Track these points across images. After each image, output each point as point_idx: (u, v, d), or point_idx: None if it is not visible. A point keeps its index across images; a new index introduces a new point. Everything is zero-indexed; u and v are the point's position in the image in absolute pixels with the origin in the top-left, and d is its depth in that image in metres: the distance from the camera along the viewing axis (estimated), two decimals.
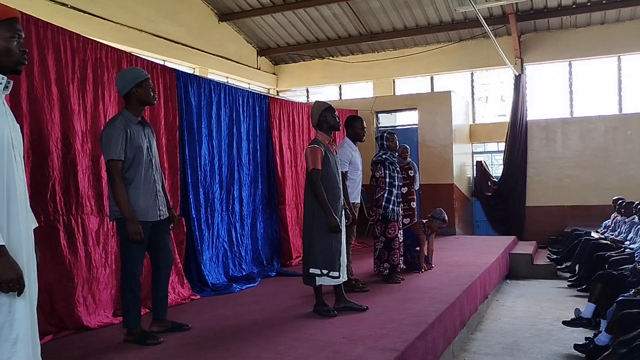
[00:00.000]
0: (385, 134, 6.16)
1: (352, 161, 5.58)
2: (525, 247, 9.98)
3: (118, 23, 10.07)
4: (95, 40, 4.72)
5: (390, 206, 5.92)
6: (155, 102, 3.93)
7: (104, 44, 4.83)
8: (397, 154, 6.42)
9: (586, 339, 4.84)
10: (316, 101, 4.76)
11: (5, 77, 2.13)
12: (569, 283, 8.04)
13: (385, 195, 5.93)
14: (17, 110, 3.84)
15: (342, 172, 5.18)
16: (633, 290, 4.55)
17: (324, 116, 4.60)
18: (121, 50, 5.10)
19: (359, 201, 5.84)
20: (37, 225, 2.36)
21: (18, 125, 2.22)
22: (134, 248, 3.70)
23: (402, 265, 6.14)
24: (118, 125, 3.66)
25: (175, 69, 5.88)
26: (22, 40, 2.18)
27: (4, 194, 2.04)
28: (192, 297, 5.32)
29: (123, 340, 3.83)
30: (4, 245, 1.98)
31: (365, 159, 6.17)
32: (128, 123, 3.70)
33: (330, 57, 14.73)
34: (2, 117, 2.08)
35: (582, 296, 7.01)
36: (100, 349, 3.73)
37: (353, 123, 5.65)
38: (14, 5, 2.35)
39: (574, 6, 11.65)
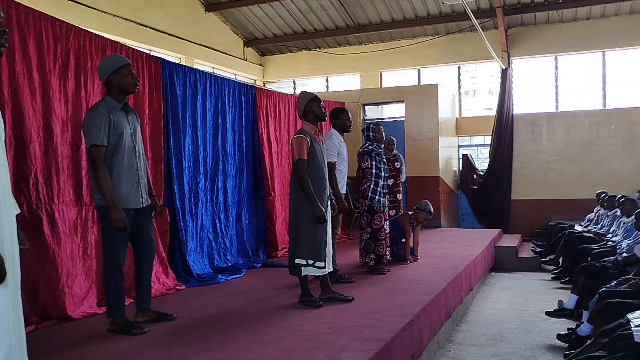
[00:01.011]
0: (371, 125, 6.18)
1: (339, 152, 5.60)
2: (510, 240, 10.05)
3: (103, 11, 9.89)
4: (78, 27, 4.63)
5: (377, 197, 5.94)
6: (136, 90, 3.84)
7: (88, 31, 4.75)
8: (383, 145, 6.44)
9: (569, 329, 4.90)
10: (302, 91, 4.75)
11: None
12: (553, 275, 8.13)
13: (372, 186, 5.94)
14: None
15: (330, 162, 5.20)
16: (614, 282, 4.60)
17: (309, 106, 4.60)
18: (105, 37, 5.01)
19: (345, 192, 5.85)
20: (19, 211, 2.31)
21: None
22: (117, 236, 3.65)
23: (388, 257, 6.16)
24: (101, 111, 3.59)
25: (160, 58, 5.81)
26: (1, 21, 2.13)
27: None
28: (177, 287, 5.29)
29: (107, 331, 3.80)
30: None
31: (352, 151, 6.17)
32: (111, 109, 3.64)
33: (317, 49, 14.66)
34: None
35: (565, 288, 7.08)
36: (84, 339, 3.70)
37: (339, 114, 5.71)
38: None
39: (560, 1, 11.70)
